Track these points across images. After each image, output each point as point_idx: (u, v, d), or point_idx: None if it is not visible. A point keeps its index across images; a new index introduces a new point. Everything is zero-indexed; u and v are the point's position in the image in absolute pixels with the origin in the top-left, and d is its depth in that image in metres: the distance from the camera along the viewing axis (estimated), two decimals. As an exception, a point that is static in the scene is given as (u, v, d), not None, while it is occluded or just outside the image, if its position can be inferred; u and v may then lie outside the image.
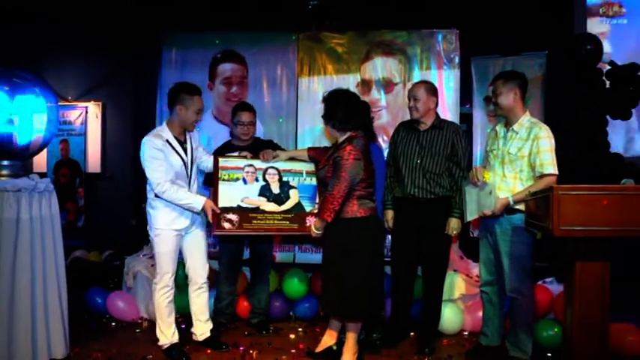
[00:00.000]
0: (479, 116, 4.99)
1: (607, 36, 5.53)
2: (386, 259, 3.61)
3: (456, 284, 4.03)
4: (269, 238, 3.91)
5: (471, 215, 3.24)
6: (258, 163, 3.51)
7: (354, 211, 3.07)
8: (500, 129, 3.28)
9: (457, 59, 4.49)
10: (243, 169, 3.47)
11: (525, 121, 3.14)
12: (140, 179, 3.32)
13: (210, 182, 3.63)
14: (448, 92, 4.46)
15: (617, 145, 5.21)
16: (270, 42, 4.70)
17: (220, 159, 3.49)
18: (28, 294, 2.99)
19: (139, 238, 3.66)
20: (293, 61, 4.67)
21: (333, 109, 3.13)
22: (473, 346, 3.56)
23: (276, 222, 3.35)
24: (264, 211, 3.36)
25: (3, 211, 2.93)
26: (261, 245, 3.89)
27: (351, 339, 3.20)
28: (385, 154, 3.86)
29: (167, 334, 3.33)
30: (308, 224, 3.31)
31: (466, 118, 4.92)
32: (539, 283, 3.86)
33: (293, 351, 3.48)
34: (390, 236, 3.70)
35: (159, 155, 3.15)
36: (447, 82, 4.48)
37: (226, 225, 3.29)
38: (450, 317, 3.81)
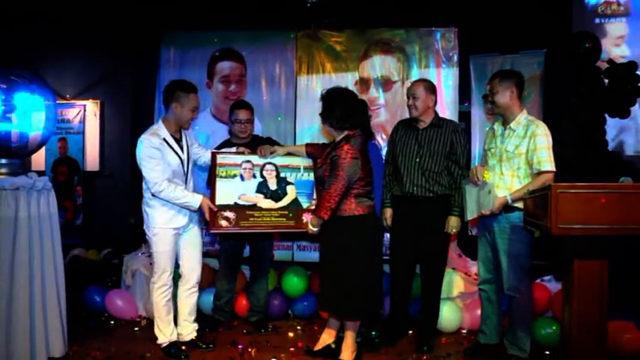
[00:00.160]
0: (477, 114, 4.99)
1: (625, 39, 5.53)
2: (384, 257, 3.62)
3: (455, 282, 4.03)
4: (268, 236, 3.91)
5: (470, 214, 3.25)
6: (256, 159, 3.52)
7: (352, 209, 3.08)
8: (497, 127, 3.29)
9: (456, 57, 4.49)
10: (240, 165, 3.48)
11: (522, 119, 3.15)
12: (138, 178, 3.31)
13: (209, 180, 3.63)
14: (447, 90, 4.46)
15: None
16: (268, 40, 4.70)
17: (218, 156, 3.51)
18: (27, 292, 2.98)
19: (137, 236, 3.66)
20: (291, 59, 4.66)
21: (331, 108, 3.13)
22: (471, 344, 3.56)
23: (272, 219, 3.36)
24: (260, 209, 3.37)
25: (1, 209, 2.92)
26: (261, 243, 3.89)
27: (349, 337, 3.21)
28: (383, 152, 3.86)
29: (166, 332, 3.33)
30: (305, 221, 3.32)
31: (465, 116, 4.92)
32: (538, 281, 3.87)
33: (292, 349, 3.48)
34: (388, 234, 3.71)
35: (156, 154, 3.15)
36: (445, 80, 4.48)
37: (223, 223, 3.31)
38: (449, 315, 3.82)
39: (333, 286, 3.12)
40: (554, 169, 3.02)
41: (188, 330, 3.49)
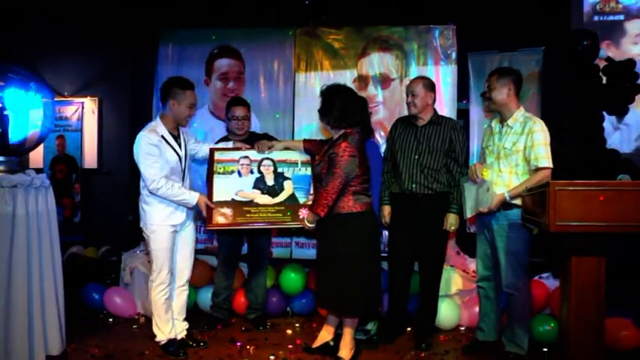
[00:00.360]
0: (476, 112, 4.99)
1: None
2: (382, 254, 3.62)
3: (453, 280, 4.03)
4: (266, 232, 3.91)
5: (469, 212, 3.26)
6: (254, 155, 3.53)
7: (350, 206, 3.08)
8: (495, 125, 3.30)
9: (454, 55, 4.49)
10: (238, 161, 3.49)
11: (519, 115, 3.16)
12: (137, 175, 3.30)
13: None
14: (445, 88, 4.46)
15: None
16: (266, 38, 4.69)
17: (216, 152, 3.52)
18: (25, 290, 2.98)
19: (136, 233, 3.66)
20: (290, 56, 4.66)
21: (330, 106, 3.13)
22: (469, 341, 3.57)
23: (269, 215, 3.38)
24: (257, 204, 3.39)
25: (-1, 206, 2.92)
26: (260, 241, 3.89)
27: (348, 334, 3.21)
28: (382, 149, 3.86)
29: (165, 330, 3.33)
30: (301, 216, 3.32)
31: (463, 113, 4.92)
32: (536, 278, 3.88)
33: (290, 346, 3.49)
34: (387, 232, 3.71)
35: (154, 151, 3.15)
36: (443, 77, 4.48)
37: (220, 219, 3.33)
38: (447, 313, 3.82)
39: (330, 283, 3.12)
40: (551, 165, 3.03)
41: (179, 329, 3.48)
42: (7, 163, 3.12)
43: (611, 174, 4.17)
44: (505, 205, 3.10)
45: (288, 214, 3.39)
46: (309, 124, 4.59)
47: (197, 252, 4.38)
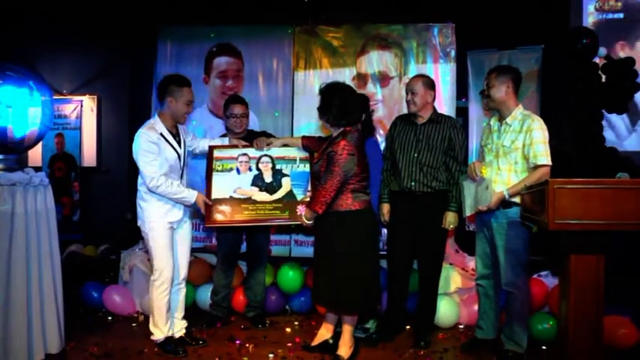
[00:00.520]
0: (475, 110, 4.99)
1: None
2: (381, 252, 3.62)
3: (452, 278, 4.04)
4: (265, 230, 3.91)
5: (469, 210, 3.26)
6: (252, 152, 3.54)
7: (349, 204, 3.08)
8: (494, 123, 3.30)
9: (453, 53, 4.49)
10: (237, 158, 3.51)
11: (518, 113, 3.16)
12: (136, 173, 3.30)
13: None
14: (444, 86, 4.46)
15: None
16: (265, 35, 4.69)
17: (215, 150, 3.54)
18: (24, 289, 2.98)
19: (134, 232, 3.65)
20: (289, 54, 4.65)
21: (329, 104, 3.13)
22: (468, 339, 3.58)
23: (267, 212, 3.39)
24: (255, 202, 3.40)
25: (-3, 205, 2.92)
26: (259, 239, 3.90)
27: (347, 332, 3.21)
28: (382, 147, 3.86)
29: (163, 329, 3.31)
30: (299, 213, 3.32)
31: (462, 112, 4.92)
32: (535, 276, 3.88)
33: (289, 344, 3.49)
34: (386, 230, 3.71)
35: (153, 149, 3.15)
36: (443, 75, 4.48)
37: (218, 217, 3.35)
38: (446, 311, 3.83)
39: (329, 281, 3.12)
40: (550, 162, 3.03)
41: (177, 327, 3.48)
42: (5, 161, 3.12)
43: (610, 172, 4.17)
44: (504, 203, 3.10)
45: (286, 211, 3.39)
46: (308, 122, 4.59)
47: (196, 250, 4.42)
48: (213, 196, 3.38)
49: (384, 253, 3.74)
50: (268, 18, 5.00)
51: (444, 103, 4.40)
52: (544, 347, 3.47)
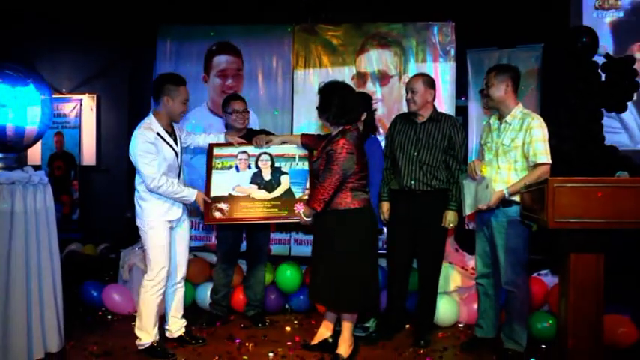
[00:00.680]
0: (474, 109, 4.99)
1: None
2: (381, 251, 3.62)
3: (452, 277, 4.04)
4: (265, 228, 3.92)
5: (469, 209, 3.26)
6: (252, 150, 3.56)
7: (348, 202, 3.08)
8: (493, 122, 3.30)
9: (453, 52, 4.48)
10: (236, 156, 3.53)
11: (518, 112, 3.16)
12: (135, 172, 3.30)
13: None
14: (444, 85, 4.45)
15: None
16: (265, 34, 4.68)
17: (215, 148, 3.57)
18: (23, 287, 2.98)
19: (134, 230, 3.65)
20: (288, 53, 4.65)
21: (328, 103, 3.12)
22: (468, 338, 3.58)
23: (265, 210, 3.40)
24: (253, 199, 3.41)
25: (-3, 204, 2.92)
26: (259, 237, 3.90)
27: (346, 330, 3.21)
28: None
29: (151, 332, 3.26)
30: (296, 211, 3.33)
31: (462, 110, 4.92)
32: (534, 275, 3.88)
33: (289, 343, 3.49)
34: (385, 229, 3.71)
35: (152, 149, 3.13)
36: (442, 74, 4.47)
37: (217, 214, 3.36)
38: (446, 309, 3.83)
39: (328, 279, 3.12)
40: (549, 161, 3.03)
41: (177, 326, 3.48)
42: (5, 160, 3.12)
43: (609, 171, 4.18)
44: (504, 202, 3.10)
45: (284, 209, 3.40)
46: (307, 121, 4.59)
47: (196, 249, 4.42)
48: (213, 194, 3.40)
49: (384, 252, 3.74)
50: (268, 17, 4.99)
51: (444, 102, 4.40)
52: (543, 346, 3.48)
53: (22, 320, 2.97)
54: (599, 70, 4.63)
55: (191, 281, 4.20)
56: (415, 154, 3.44)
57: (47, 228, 3.14)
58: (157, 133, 3.19)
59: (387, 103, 4.53)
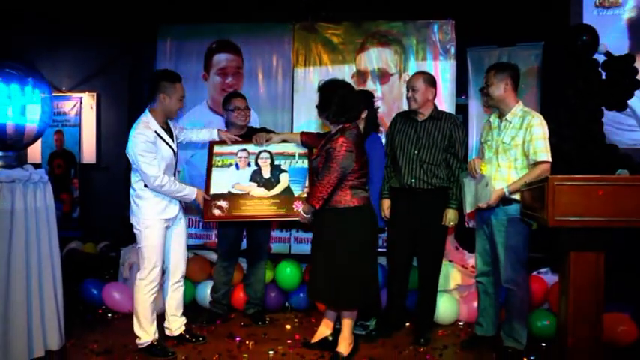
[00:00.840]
0: (475, 107, 4.98)
1: None
2: (381, 249, 3.62)
3: (452, 275, 4.04)
4: (266, 226, 3.92)
5: (469, 207, 3.26)
6: (252, 148, 3.58)
7: (348, 200, 3.08)
8: (493, 120, 3.30)
9: (453, 50, 4.48)
10: (236, 154, 3.54)
11: (518, 110, 3.16)
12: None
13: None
14: (444, 83, 4.45)
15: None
16: (265, 32, 4.68)
17: (215, 146, 3.60)
18: (24, 286, 2.98)
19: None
20: (288, 51, 4.64)
21: (328, 102, 3.12)
22: (468, 336, 3.59)
23: (264, 207, 3.42)
24: (253, 197, 3.43)
25: (-2, 202, 2.92)
26: (259, 235, 3.90)
27: (346, 328, 3.22)
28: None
29: (150, 331, 3.25)
30: (295, 209, 3.34)
31: (462, 108, 4.91)
32: (534, 273, 3.89)
33: (289, 341, 3.49)
34: (385, 227, 3.71)
35: (152, 149, 3.12)
36: (442, 72, 4.47)
37: (216, 212, 3.39)
38: (446, 307, 3.83)
39: (328, 278, 3.12)
40: (550, 159, 3.03)
41: (177, 324, 3.48)
42: (4, 158, 3.12)
43: (609, 169, 4.17)
44: (504, 200, 3.10)
45: (283, 207, 3.43)
46: (307, 119, 4.58)
47: (196, 247, 4.42)
48: (212, 191, 3.43)
49: (384, 250, 3.74)
50: (268, 15, 4.98)
51: (444, 100, 4.39)
52: (543, 344, 3.48)
53: (22, 318, 2.97)
54: (600, 69, 4.62)
55: (191, 279, 4.20)
56: (416, 152, 3.43)
57: (47, 226, 3.14)
58: (156, 132, 3.18)
59: (387, 102, 4.53)
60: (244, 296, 4.03)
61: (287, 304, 4.24)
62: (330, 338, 3.34)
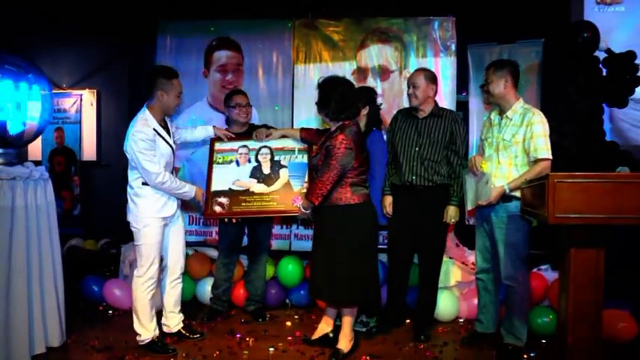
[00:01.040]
0: (475, 104, 4.97)
1: None
2: (381, 246, 3.62)
3: (452, 272, 4.04)
4: (267, 222, 3.92)
5: (470, 204, 3.26)
6: (252, 144, 3.59)
7: (348, 197, 3.08)
8: (494, 117, 3.30)
9: (453, 47, 4.47)
10: (237, 150, 3.56)
11: (518, 107, 3.16)
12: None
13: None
14: (444, 80, 4.44)
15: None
16: (265, 29, 4.67)
17: (216, 142, 3.60)
18: (25, 283, 2.99)
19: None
20: (289, 48, 4.64)
21: (327, 99, 3.12)
22: (468, 333, 3.59)
23: (264, 203, 3.44)
24: (253, 193, 3.43)
25: (-2, 199, 2.92)
26: (260, 232, 3.90)
27: (347, 325, 3.22)
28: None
29: (149, 328, 3.26)
30: (295, 204, 3.34)
31: (462, 106, 4.90)
32: (535, 270, 3.89)
33: (289, 338, 3.50)
34: (386, 224, 3.71)
35: (152, 146, 3.12)
36: (443, 69, 4.46)
37: (217, 208, 3.40)
38: (446, 304, 3.84)
39: (328, 275, 3.12)
40: (550, 156, 3.03)
41: (175, 321, 3.48)
42: (5, 155, 3.12)
43: (610, 166, 4.17)
44: (504, 197, 3.10)
45: (283, 202, 3.43)
46: (308, 116, 4.58)
47: (196, 244, 4.42)
48: (213, 188, 3.44)
49: (385, 247, 3.74)
50: (268, 12, 4.97)
51: (445, 97, 4.39)
52: (544, 341, 3.49)
53: (23, 315, 2.97)
54: (601, 66, 4.61)
55: (192, 276, 4.20)
56: (416, 149, 3.43)
57: (48, 223, 3.15)
58: (154, 129, 3.17)
59: (388, 99, 4.52)
60: (245, 293, 4.04)
61: (287, 300, 4.24)
62: (331, 335, 3.34)
